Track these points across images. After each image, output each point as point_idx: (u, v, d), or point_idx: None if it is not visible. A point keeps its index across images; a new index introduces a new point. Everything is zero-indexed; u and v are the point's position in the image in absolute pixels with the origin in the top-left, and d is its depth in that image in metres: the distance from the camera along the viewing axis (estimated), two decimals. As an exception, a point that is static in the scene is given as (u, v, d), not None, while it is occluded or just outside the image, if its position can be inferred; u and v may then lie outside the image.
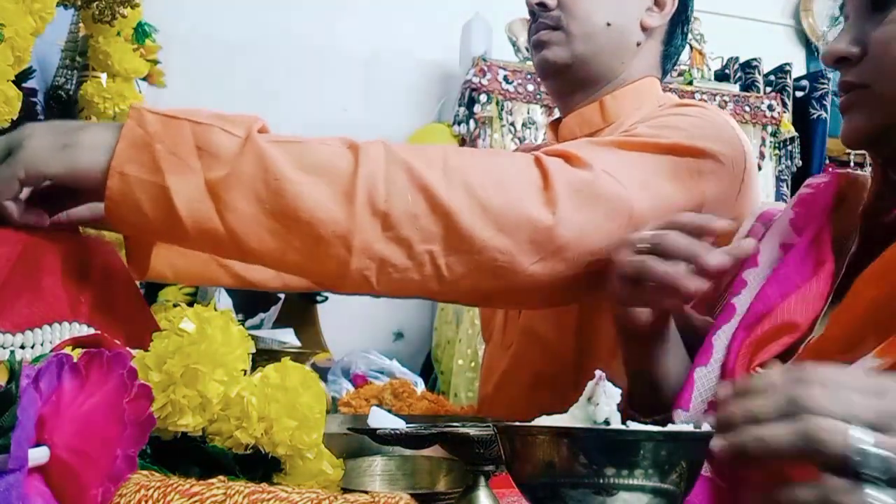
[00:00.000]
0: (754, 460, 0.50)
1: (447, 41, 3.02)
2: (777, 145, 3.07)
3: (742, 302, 0.78)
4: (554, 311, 1.11)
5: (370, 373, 2.22)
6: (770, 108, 3.04)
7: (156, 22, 1.51)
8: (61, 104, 1.35)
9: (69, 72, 1.39)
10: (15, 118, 0.84)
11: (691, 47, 3.04)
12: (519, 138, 2.79)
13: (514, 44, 2.88)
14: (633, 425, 0.49)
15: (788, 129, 3.05)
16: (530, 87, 2.82)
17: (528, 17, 1.16)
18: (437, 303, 2.85)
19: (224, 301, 1.79)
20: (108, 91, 1.34)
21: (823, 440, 0.47)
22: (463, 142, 2.81)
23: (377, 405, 1.36)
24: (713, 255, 0.73)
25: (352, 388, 1.96)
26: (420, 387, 1.95)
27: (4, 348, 0.63)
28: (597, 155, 0.88)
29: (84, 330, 0.69)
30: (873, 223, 0.76)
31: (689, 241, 0.74)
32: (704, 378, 0.76)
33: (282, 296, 2.04)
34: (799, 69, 3.30)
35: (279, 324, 1.92)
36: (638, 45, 1.13)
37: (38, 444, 0.42)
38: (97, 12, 1.20)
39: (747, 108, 3.03)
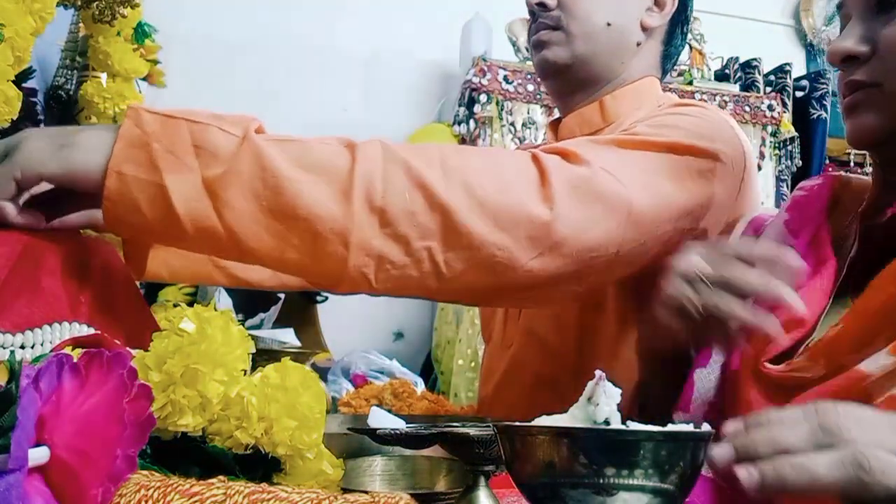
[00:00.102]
0: (791, 491, 0.47)
1: (447, 41, 3.02)
2: (777, 145, 3.07)
3: None
4: (554, 311, 1.11)
5: (370, 373, 2.22)
6: (770, 108, 3.04)
7: (156, 22, 1.51)
8: (61, 104, 1.35)
9: (69, 72, 1.39)
10: (15, 118, 0.84)
11: (691, 47, 3.04)
12: (519, 138, 2.79)
13: (514, 44, 2.88)
14: (633, 425, 0.49)
15: (788, 129, 3.05)
16: (530, 87, 2.82)
17: (528, 17, 1.16)
18: (438, 303, 2.85)
19: (224, 301, 1.79)
20: (108, 91, 1.34)
21: (874, 469, 0.46)
22: (463, 142, 2.81)
23: (377, 405, 1.36)
24: (798, 299, 0.67)
25: (352, 388, 1.96)
26: (420, 387, 1.96)
27: (4, 348, 0.63)
28: (595, 152, 0.88)
29: (84, 330, 0.69)
30: (872, 224, 0.75)
31: (766, 281, 0.68)
32: (704, 379, 0.76)
33: (282, 296, 2.04)
34: (799, 69, 3.30)
35: (279, 324, 1.92)
36: (638, 45, 1.13)
37: (38, 444, 0.42)
38: (97, 12, 1.20)
39: (747, 108, 3.03)
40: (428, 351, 2.91)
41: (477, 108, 2.79)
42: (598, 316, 1.07)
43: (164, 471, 0.54)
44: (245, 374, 0.62)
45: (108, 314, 0.74)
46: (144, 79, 1.47)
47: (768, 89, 3.12)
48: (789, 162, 3.07)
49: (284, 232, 0.74)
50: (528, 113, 2.84)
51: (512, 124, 2.80)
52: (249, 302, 1.95)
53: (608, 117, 1.12)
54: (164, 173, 0.71)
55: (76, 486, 0.43)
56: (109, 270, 0.78)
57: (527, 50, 2.65)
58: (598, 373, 0.51)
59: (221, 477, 0.51)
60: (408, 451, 0.78)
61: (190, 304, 0.92)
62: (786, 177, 3.07)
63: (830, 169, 3.14)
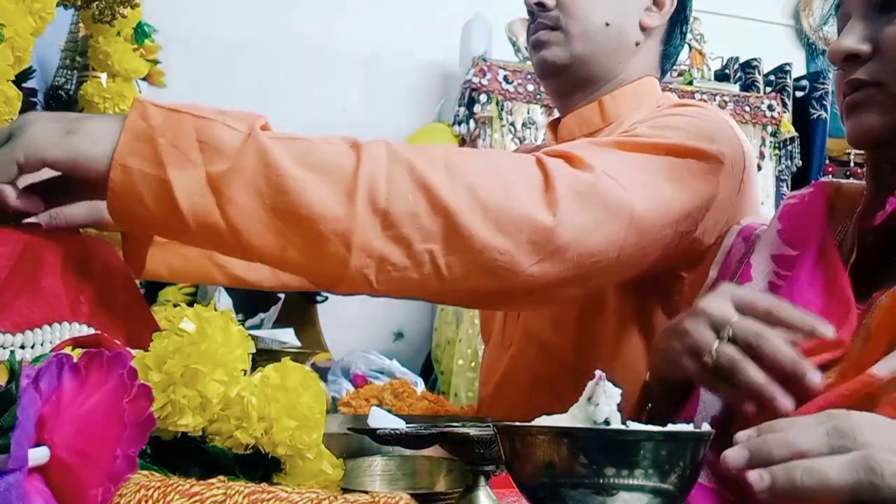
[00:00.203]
0: (804, 495, 0.47)
1: (447, 41, 3.02)
2: (777, 145, 3.07)
3: None
4: (553, 312, 1.11)
5: (370, 373, 2.22)
6: (770, 108, 3.04)
7: (156, 22, 1.51)
8: (61, 104, 1.35)
9: (69, 72, 1.39)
10: (15, 118, 0.84)
11: (691, 47, 3.05)
12: (519, 138, 2.79)
13: (514, 44, 2.88)
14: (633, 425, 0.49)
15: (788, 129, 3.05)
16: (530, 87, 2.82)
17: (527, 15, 1.16)
18: (437, 303, 2.86)
19: (224, 301, 1.79)
20: (108, 91, 1.34)
21: (886, 473, 0.45)
22: (463, 142, 2.81)
23: (377, 405, 1.36)
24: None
25: (352, 388, 1.96)
26: (420, 387, 1.96)
27: (4, 348, 0.63)
28: (598, 156, 0.88)
29: (84, 330, 0.69)
30: (867, 228, 0.75)
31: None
32: (711, 397, 0.75)
33: (282, 296, 2.04)
34: (799, 69, 3.30)
35: (279, 324, 1.92)
36: (637, 44, 1.13)
37: (38, 444, 0.42)
38: (97, 12, 1.20)
39: (747, 108, 3.03)
40: (428, 351, 2.91)
41: (477, 108, 2.79)
42: (598, 316, 1.07)
43: (164, 471, 0.54)
44: (245, 374, 0.62)
45: (108, 314, 0.74)
46: (144, 79, 1.47)
47: (768, 89, 3.12)
48: (789, 162, 3.07)
49: (286, 230, 0.74)
50: (528, 113, 2.84)
51: (512, 124, 2.81)
52: (249, 302, 1.96)
53: (607, 117, 1.12)
54: (168, 168, 0.71)
55: (76, 486, 0.43)
56: (109, 270, 0.78)
57: (527, 50, 2.66)
58: (597, 373, 0.51)
59: (221, 477, 0.51)
60: (408, 451, 0.78)
61: (190, 304, 0.92)
62: (786, 177, 3.07)
63: (831, 169, 3.15)
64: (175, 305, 1.15)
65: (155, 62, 1.49)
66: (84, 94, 1.34)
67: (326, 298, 2.47)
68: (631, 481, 0.46)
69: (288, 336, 1.27)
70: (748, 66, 3.15)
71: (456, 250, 0.78)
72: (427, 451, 0.73)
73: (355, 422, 0.97)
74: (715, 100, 2.95)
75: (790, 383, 0.66)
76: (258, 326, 1.89)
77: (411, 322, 3.02)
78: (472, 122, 2.81)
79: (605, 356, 1.06)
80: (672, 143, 0.93)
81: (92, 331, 0.69)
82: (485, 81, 2.79)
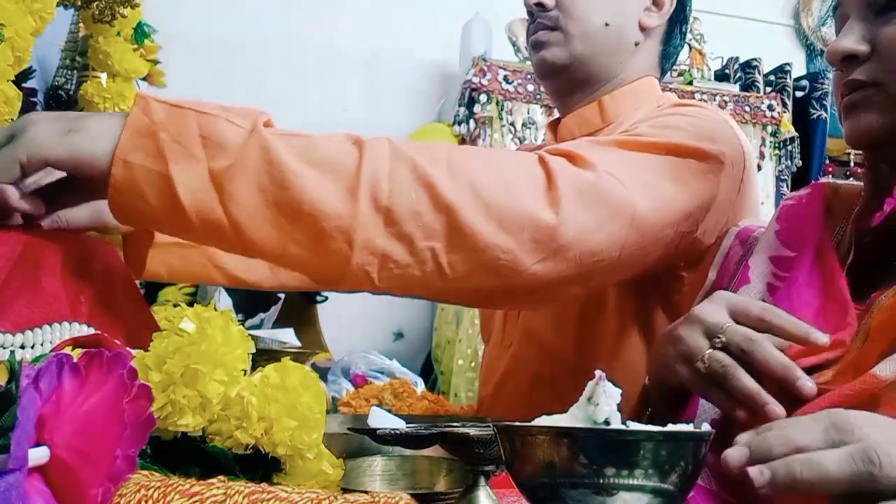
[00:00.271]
0: (805, 488, 0.47)
1: (447, 41, 3.02)
2: (777, 145, 3.07)
3: None
4: (554, 312, 1.11)
5: (370, 373, 2.22)
6: (770, 108, 3.04)
7: (156, 22, 1.51)
8: (61, 104, 1.35)
9: (69, 72, 1.39)
10: (15, 118, 0.84)
11: (691, 47, 3.05)
12: (519, 138, 2.79)
13: (514, 44, 2.88)
14: (633, 425, 0.49)
15: (788, 129, 3.05)
16: (530, 87, 2.82)
17: (527, 15, 1.16)
18: (438, 303, 2.86)
19: (224, 301, 1.79)
20: (108, 91, 1.34)
21: (884, 464, 0.45)
22: (463, 142, 2.81)
23: (377, 405, 1.36)
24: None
25: (352, 388, 1.96)
26: (420, 387, 1.96)
27: (4, 348, 0.63)
28: (599, 155, 0.88)
29: (84, 330, 0.69)
30: (864, 229, 0.75)
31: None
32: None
33: (282, 296, 2.04)
34: (799, 69, 3.30)
35: (279, 324, 1.92)
36: (636, 45, 1.13)
37: (38, 444, 0.42)
38: (97, 12, 1.20)
39: (747, 108, 3.03)
40: (428, 351, 2.91)
41: (477, 108, 2.79)
42: (598, 316, 1.07)
43: (164, 471, 0.54)
44: (245, 374, 0.62)
45: (108, 314, 0.74)
46: (144, 79, 1.47)
47: (768, 89, 3.12)
48: (789, 162, 3.07)
49: (288, 227, 0.74)
50: (528, 113, 2.84)
51: (512, 124, 2.81)
52: (249, 302, 1.96)
53: (607, 117, 1.12)
54: (170, 163, 0.70)
55: (76, 486, 0.43)
56: (109, 270, 0.78)
57: (527, 50, 2.66)
58: (597, 373, 0.51)
59: (221, 477, 0.51)
60: (408, 451, 0.78)
61: (190, 304, 0.92)
62: (786, 177, 3.07)
63: (831, 169, 3.15)
64: (175, 305, 1.15)
65: (155, 62, 1.49)
66: (84, 94, 1.34)
67: (326, 298, 2.47)
68: (631, 481, 0.46)
69: (288, 336, 1.28)
70: (748, 66, 3.15)
71: (458, 248, 0.78)
72: (427, 451, 0.73)
73: (355, 422, 0.97)
74: (715, 100, 2.96)
75: (784, 389, 0.66)
76: (258, 326, 1.89)
77: (411, 322, 3.01)
78: (472, 122, 2.81)
79: (606, 356, 1.06)
80: (673, 143, 0.93)
81: (92, 331, 0.69)
82: (485, 81, 2.79)
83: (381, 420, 0.74)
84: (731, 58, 3.19)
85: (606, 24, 1.10)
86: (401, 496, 0.51)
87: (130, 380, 0.46)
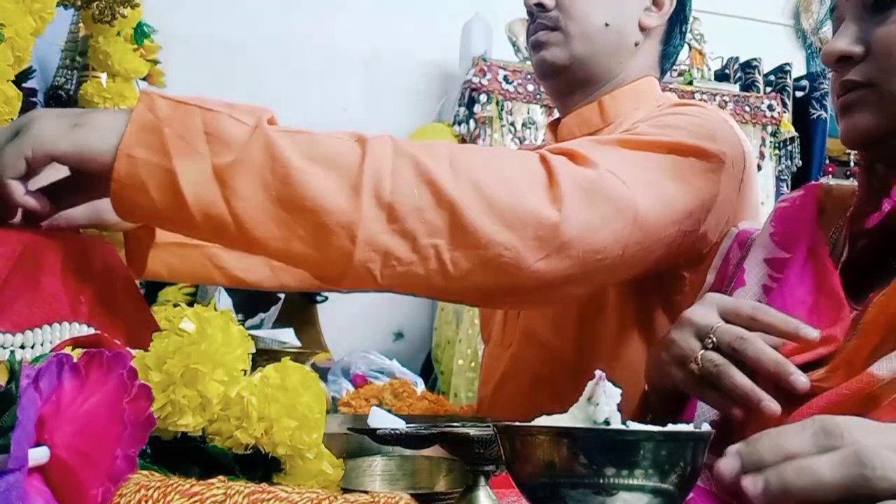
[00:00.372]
0: (799, 496, 0.46)
1: (447, 41, 3.02)
2: (777, 145, 3.07)
3: None
4: (554, 312, 1.11)
5: (370, 373, 2.22)
6: (770, 108, 3.05)
7: (156, 22, 1.50)
8: (61, 104, 1.35)
9: (69, 72, 1.39)
10: (15, 118, 0.84)
11: (691, 47, 3.05)
12: (519, 138, 2.79)
13: (514, 44, 2.88)
14: (633, 425, 0.49)
15: (788, 129, 3.05)
16: (530, 87, 2.83)
17: (527, 15, 1.16)
18: (438, 303, 2.86)
19: (224, 301, 1.79)
20: (108, 91, 1.34)
21: (876, 466, 0.45)
22: (463, 141, 2.81)
23: (377, 405, 1.36)
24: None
25: (352, 388, 1.97)
26: (420, 387, 1.96)
27: (4, 348, 0.63)
28: (601, 154, 0.88)
29: (84, 330, 0.69)
30: (859, 230, 0.76)
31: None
32: None
33: (282, 296, 2.04)
34: (799, 69, 3.31)
35: (279, 324, 1.92)
36: (636, 45, 1.13)
37: (38, 444, 0.42)
38: (97, 12, 1.20)
39: (747, 108, 3.03)
40: (428, 351, 2.91)
41: (477, 108, 2.79)
42: (598, 316, 1.07)
43: (164, 471, 0.54)
44: (245, 374, 0.62)
45: (108, 314, 0.74)
46: (144, 79, 1.47)
47: (768, 89, 3.13)
48: (789, 162, 3.07)
49: (291, 223, 0.74)
50: (528, 113, 2.84)
51: (512, 124, 2.81)
52: (249, 302, 1.96)
53: (607, 117, 1.12)
54: (174, 158, 0.71)
55: (76, 486, 0.43)
56: (109, 270, 0.78)
57: (527, 50, 2.65)
58: (597, 373, 0.51)
59: (221, 477, 0.51)
60: (408, 451, 0.78)
61: (190, 304, 0.92)
62: (786, 177, 3.07)
63: (830, 169, 3.15)
64: (175, 305, 1.15)
65: (155, 62, 1.49)
66: (84, 94, 1.34)
67: (326, 298, 2.47)
68: (631, 481, 0.46)
69: (288, 336, 1.28)
70: (748, 66, 3.15)
71: (461, 245, 0.78)
72: (427, 451, 0.73)
73: (355, 422, 0.97)
74: (715, 100, 2.96)
75: (780, 386, 0.66)
76: (258, 326, 1.89)
77: (411, 322, 3.01)
78: (472, 122, 2.81)
79: (606, 356, 1.06)
80: (674, 142, 0.93)
81: (92, 331, 0.69)
82: (485, 81, 2.79)
83: (381, 420, 0.74)
84: (731, 58, 3.19)
85: (606, 25, 1.10)
86: (401, 496, 0.51)
87: (130, 380, 0.46)
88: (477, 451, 0.60)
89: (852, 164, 3.14)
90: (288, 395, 0.62)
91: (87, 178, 0.74)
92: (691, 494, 0.50)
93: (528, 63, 2.65)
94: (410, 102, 3.12)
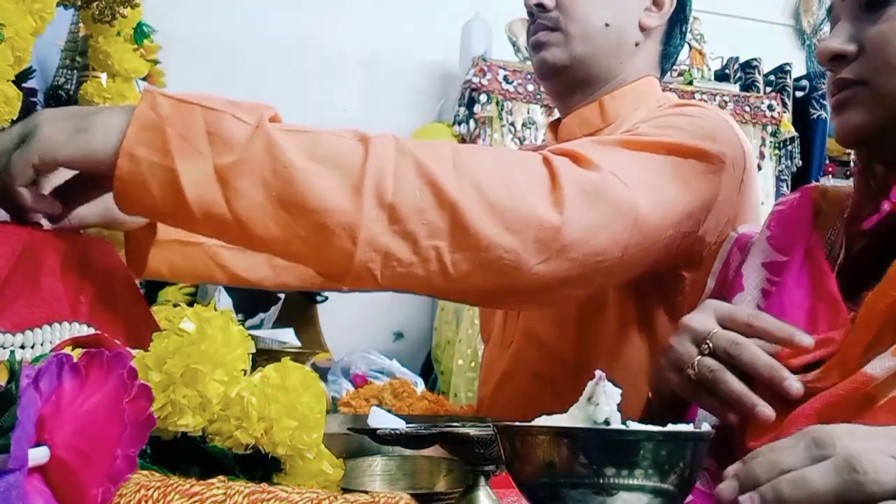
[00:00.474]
0: None
1: (447, 41, 3.02)
2: (777, 145, 3.07)
3: None
4: (554, 312, 1.11)
5: (370, 373, 2.22)
6: (770, 108, 3.04)
7: (156, 22, 1.51)
8: (61, 104, 1.35)
9: (69, 72, 1.39)
10: (15, 118, 0.84)
11: (691, 47, 3.05)
12: (519, 138, 2.79)
13: (514, 44, 2.88)
14: (633, 425, 0.49)
15: (788, 129, 3.05)
16: (530, 87, 2.82)
17: (527, 16, 1.16)
18: (438, 303, 2.86)
19: (224, 301, 1.79)
20: (108, 91, 1.34)
21: (867, 470, 0.45)
22: (463, 142, 2.81)
23: (377, 405, 1.36)
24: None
25: (352, 388, 1.96)
26: (420, 387, 1.96)
27: (4, 348, 0.63)
28: (603, 155, 0.88)
29: (84, 330, 0.69)
30: (856, 231, 0.76)
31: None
32: None
33: (282, 296, 2.04)
34: (799, 69, 3.30)
35: (279, 324, 1.92)
36: (636, 45, 1.13)
37: (38, 444, 0.42)
38: (97, 12, 1.20)
39: (747, 108, 3.03)
40: (428, 351, 2.91)
41: (477, 108, 2.79)
42: (598, 316, 1.07)
43: (164, 471, 0.54)
44: (245, 374, 0.62)
45: (108, 314, 0.74)
46: (144, 79, 1.47)
47: (768, 89, 3.12)
48: (789, 162, 3.07)
49: (292, 222, 0.74)
50: (528, 113, 2.84)
51: (512, 124, 2.81)
52: (249, 302, 1.96)
53: (608, 118, 1.12)
54: (175, 158, 0.71)
55: (76, 486, 0.43)
56: (109, 270, 0.78)
57: (527, 50, 2.65)
58: (597, 373, 0.51)
59: (221, 477, 0.51)
60: (408, 451, 0.78)
61: (190, 304, 0.92)
62: (786, 177, 3.07)
63: (830, 169, 3.15)
64: (175, 305, 1.15)
65: (155, 62, 1.49)
66: (84, 94, 1.34)
67: (326, 298, 2.47)
68: (631, 481, 0.46)
69: (288, 336, 1.27)
70: (748, 66, 3.15)
71: (462, 247, 0.79)
72: (427, 451, 0.73)
73: (355, 422, 0.97)
74: (715, 100, 2.95)
75: (775, 391, 0.67)
76: (258, 326, 1.89)
77: (411, 322, 3.01)
78: (472, 122, 2.81)
79: (606, 356, 1.06)
80: (675, 143, 0.93)
81: (92, 331, 0.69)
82: (485, 81, 2.79)
83: (381, 420, 0.74)
84: (731, 58, 3.19)
85: (607, 25, 1.10)
86: (401, 496, 0.51)
87: (130, 380, 0.46)
88: (477, 451, 0.60)
89: (852, 164, 3.14)
90: (288, 395, 0.62)
91: (96, 178, 0.74)
92: (690, 497, 0.50)
93: (528, 63, 2.65)
94: (410, 102, 3.12)
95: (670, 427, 0.49)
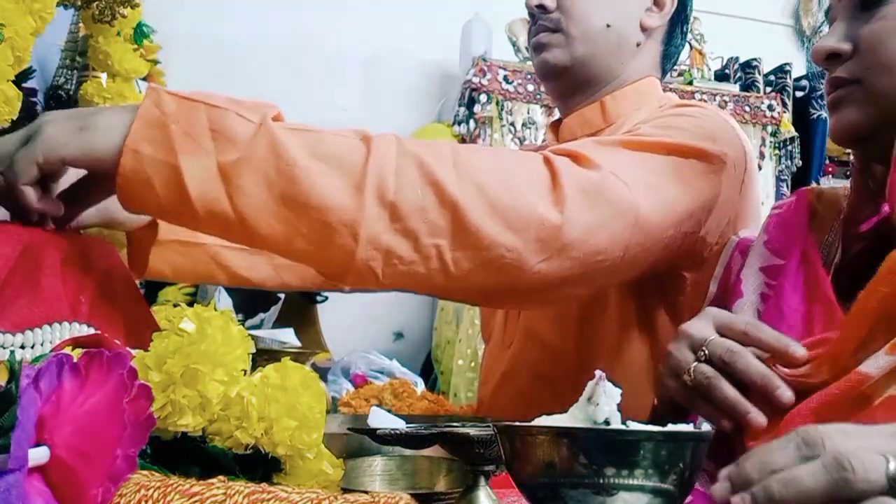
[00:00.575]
0: None
1: (447, 41, 3.02)
2: (777, 145, 3.07)
3: None
4: (555, 311, 1.11)
5: (370, 373, 2.22)
6: (770, 108, 3.04)
7: (156, 22, 1.51)
8: (61, 104, 1.35)
9: (69, 72, 1.39)
10: (15, 118, 0.84)
11: (691, 47, 3.05)
12: (519, 138, 2.79)
13: (514, 44, 2.88)
14: (633, 425, 0.49)
15: (788, 129, 3.05)
16: (530, 87, 2.82)
17: (528, 17, 1.16)
18: (438, 303, 2.86)
19: (224, 301, 1.79)
20: (108, 91, 1.34)
21: (856, 468, 0.45)
22: (463, 142, 2.81)
23: (377, 405, 1.36)
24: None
25: (352, 388, 1.96)
26: (420, 387, 1.96)
27: (4, 348, 0.63)
28: (603, 155, 0.88)
29: (84, 330, 0.69)
30: (853, 232, 0.76)
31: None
32: None
33: (282, 296, 2.04)
34: (799, 69, 3.30)
35: (279, 324, 1.92)
36: (638, 45, 1.13)
37: (38, 444, 0.42)
38: (97, 12, 1.20)
39: (747, 108, 3.03)
40: (428, 351, 2.91)
41: (477, 108, 2.79)
42: (599, 316, 1.07)
43: (164, 471, 0.54)
44: (245, 374, 0.62)
45: (108, 314, 0.74)
46: (144, 79, 1.47)
47: (768, 89, 3.12)
48: (789, 162, 3.07)
49: (294, 221, 0.74)
50: (528, 113, 2.84)
51: (512, 124, 2.81)
52: (249, 302, 1.96)
53: (609, 118, 1.12)
54: (179, 155, 0.71)
55: (76, 486, 0.43)
56: (109, 270, 0.78)
57: (527, 50, 2.65)
58: (598, 373, 0.51)
59: (221, 477, 0.51)
60: (408, 451, 0.78)
61: (190, 304, 0.92)
62: (786, 177, 3.07)
63: (830, 169, 3.15)
64: (175, 305, 1.15)
65: (155, 62, 1.49)
66: (84, 94, 1.34)
67: (326, 298, 2.47)
68: (631, 481, 0.46)
69: (288, 336, 1.27)
70: (748, 66, 3.15)
71: (463, 246, 0.79)
72: (427, 451, 0.74)
73: (355, 422, 0.97)
74: (715, 100, 2.95)
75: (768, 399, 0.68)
76: (258, 326, 1.89)
77: (411, 322, 3.01)
78: (472, 122, 2.81)
79: (606, 356, 1.06)
80: (676, 143, 0.93)
81: (92, 331, 0.69)
82: (485, 81, 2.79)
83: (381, 420, 0.74)
84: (731, 58, 3.19)
85: (608, 26, 1.10)
86: (401, 496, 0.51)
87: (130, 380, 0.46)
88: (477, 451, 0.60)
89: (851, 164, 3.14)
90: (288, 395, 0.62)
91: (102, 179, 0.74)
92: (690, 498, 0.50)
93: (528, 63, 2.65)
94: (410, 102, 3.12)
95: (670, 427, 0.49)
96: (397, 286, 0.81)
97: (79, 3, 1.20)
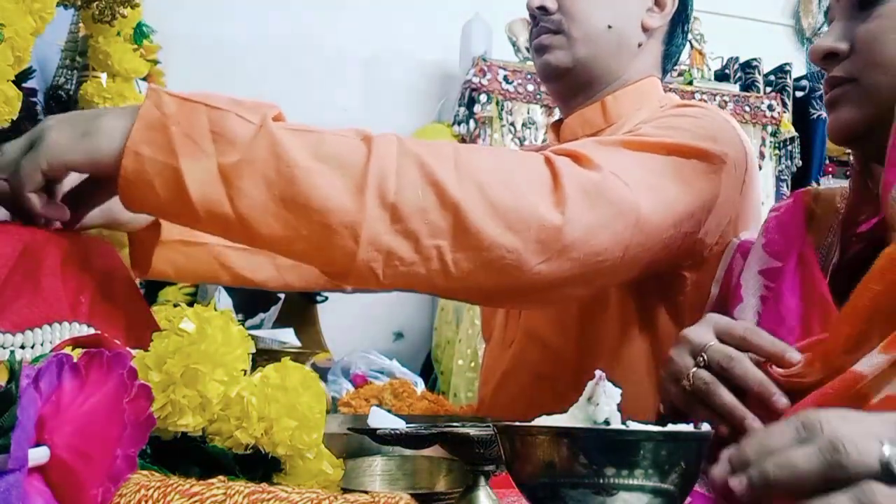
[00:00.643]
0: (778, 489, 0.48)
1: (447, 41, 3.02)
2: (777, 145, 3.07)
3: None
4: (555, 311, 1.11)
5: (370, 373, 2.22)
6: (770, 108, 3.04)
7: (156, 22, 1.51)
8: (61, 104, 1.34)
9: (69, 72, 1.39)
10: (15, 118, 0.84)
11: (691, 47, 3.05)
12: (519, 138, 2.79)
13: (514, 44, 2.88)
14: (633, 425, 0.49)
15: (788, 129, 3.05)
16: (530, 87, 2.82)
17: (528, 16, 1.16)
18: (438, 303, 2.86)
19: (224, 301, 1.79)
20: (108, 91, 1.34)
21: (850, 452, 0.46)
22: (463, 142, 2.81)
23: (377, 405, 1.36)
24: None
25: (352, 388, 1.96)
26: (420, 387, 1.96)
27: (4, 348, 0.63)
28: (604, 156, 0.88)
29: (84, 330, 0.69)
30: (852, 233, 0.76)
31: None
32: None
33: (282, 296, 2.04)
34: (799, 69, 3.30)
35: (279, 324, 1.92)
36: (639, 45, 1.13)
37: (38, 444, 0.42)
38: (97, 12, 1.20)
39: (747, 108, 3.03)
40: (428, 351, 2.91)
41: (477, 108, 2.79)
42: (599, 316, 1.07)
43: (164, 471, 0.54)
44: (245, 374, 0.62)
45: (108, 314, 0.74)
46: (144, 79, 1.46)
47: (768, 89, 3.12)
48: (789, 162, 3.07)
49: (295, 221, 0.75)
50: (528, 113, 2.84)
51: (512, 124, 2.80)
52: (249, 302, 1.95)
53: (610, 118, 1.12)
54: (180, 157, 0.71)
55: (76, 486, 0.43)
56: (110, 270, 0.78)
57: (527, 50, 2.65)
58: (598, 373, 0.51)
59: (221, 477, 0.51)
60: (408, 451, 0.78)
61: (190, 304, 0.92)
62: (786, 177, 3.07)
63: (830, 169, 3.15)
64: (175, 305, 1.15)
65: (155, 62, 1.49)
66: (84, 94, 1.34)
67: (326, 298, 2.47)
68: (631, 481, 0.46)
69: (288, 336, 1.27)
70: (748, 66, 3.15)
71: (464, 247, 0.79)
72: (427, 451, 0.73)
73: (355, 422, 0.97)
74: (715, 100, 2.95)
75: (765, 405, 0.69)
76: (258, 326, 1.89)
77: (411, 322, 3.01)
78: (472, 122, 2.81)
79: (607, 356, 1.06)
80: (676, 143, 0.93)
81: (92, 331, 0.69)
82: (485, 81, 2.79)
83: (381, 420, 0.74)
84: (731, 58, 3.19)
85: (609, 27, 1.10)
86: (401, 496, 0.51)
87: (130, 380, 0.46)
88: (477, 451, 0.60)
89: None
90: (288, 395, 0.62)
91: (105, 181, 0.75)
92: (689, 499, 0.50)
93: (529, 63, 2.65)
94: (410, 102, 3.12)
95: (670, 427, 0.49)
96: (398, 286, 0.82)
97: (79, 3, 1.20)
